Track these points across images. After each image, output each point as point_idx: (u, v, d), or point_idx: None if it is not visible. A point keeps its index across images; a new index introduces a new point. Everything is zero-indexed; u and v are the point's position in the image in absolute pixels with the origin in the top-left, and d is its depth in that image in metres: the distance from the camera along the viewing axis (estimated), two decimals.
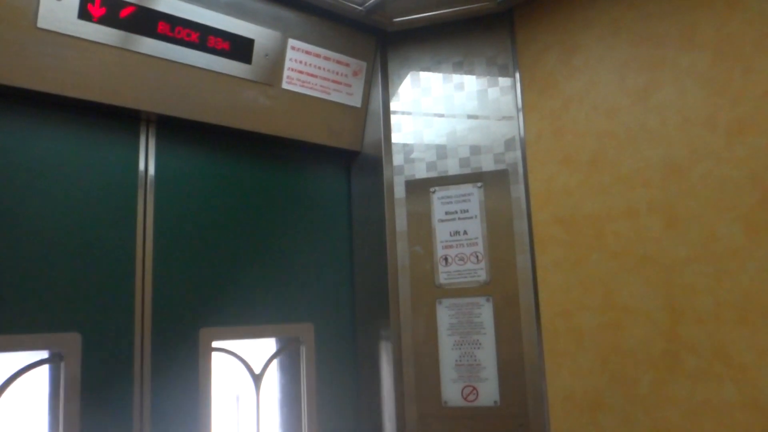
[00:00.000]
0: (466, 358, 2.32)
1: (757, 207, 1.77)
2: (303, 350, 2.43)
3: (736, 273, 1.81)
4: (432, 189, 2.45)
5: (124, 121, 2.11)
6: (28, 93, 1.86)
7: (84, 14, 1.87)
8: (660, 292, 1.97)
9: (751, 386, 1.76)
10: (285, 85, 2.36)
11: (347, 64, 2.52)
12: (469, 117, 2.46)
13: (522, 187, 2.35)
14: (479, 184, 2.40)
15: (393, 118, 2.56)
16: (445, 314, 2.37)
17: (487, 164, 2.41)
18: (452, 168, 2.45)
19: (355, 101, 2.58)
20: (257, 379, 2.31)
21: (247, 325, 2.30)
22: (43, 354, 1.87)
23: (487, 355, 2.30)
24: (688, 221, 1.92)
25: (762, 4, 1.81)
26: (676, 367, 1.91)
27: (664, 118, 2.00)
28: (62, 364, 1.85)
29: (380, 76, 2.58)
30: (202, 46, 2.13)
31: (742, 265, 1.80)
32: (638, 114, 2.07)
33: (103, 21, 1.91)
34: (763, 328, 1.74)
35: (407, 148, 2.52)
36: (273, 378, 2.48)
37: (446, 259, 2.40)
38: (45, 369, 1.89)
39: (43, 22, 1.81)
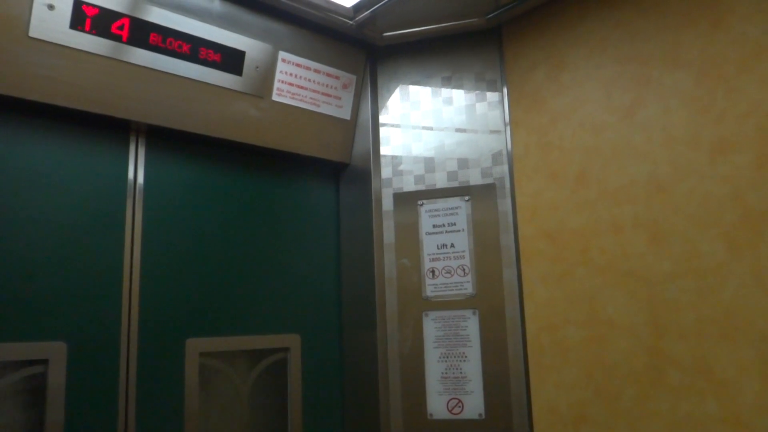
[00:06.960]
0: (452, 371, 2.33)
1: (739, 224, 1.80)
2: (290, 361, 2.43)
3: (717, 289, 1.83)
4: (420, 202, 2.47)
5: (114, 131, 2.11)
6: (19, 102, 1.86)
7: (76, 24, 1.88)
8: (643, 307, 1.99)
9: (732, 401, 1.77)
10: (275, 97, 2.37)
11: (337, 77, 2.54)
12: (457, 131, 2.48)
13: (509, 201, 2.37)
14: (467, 198, 2.42)
15: (382, 131, 2.58)
16: (431, 327, 2.38)
17: (475, 178, 2.43)
18: (440, 181, 2.47)
19: (345, 114, 2.59)
20: (243, 389, 2.31)
21: (233, 335, 2.30)
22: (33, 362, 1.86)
23: (472, 368, 2.31)
24: (671, 237, 1.95)
25: (744, 26, 1.84)
26: (659, 382, 1.93)
27: (649, 135, 2.03)
28: (47, 374, 1.85)
29: (369, 90, 2.60)
30: (193, 58, 2.14)
31: (723, 281, 1.82)
32: (624, 131, 2.10)
33: (95, 31, 1.92)
34: (744, 344, 1.76)
35: (396, 161, 2.53)
36: (259, 388, 2.47)
37: (433, 272, 2.41)
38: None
39: (34, 32, 1.81)
